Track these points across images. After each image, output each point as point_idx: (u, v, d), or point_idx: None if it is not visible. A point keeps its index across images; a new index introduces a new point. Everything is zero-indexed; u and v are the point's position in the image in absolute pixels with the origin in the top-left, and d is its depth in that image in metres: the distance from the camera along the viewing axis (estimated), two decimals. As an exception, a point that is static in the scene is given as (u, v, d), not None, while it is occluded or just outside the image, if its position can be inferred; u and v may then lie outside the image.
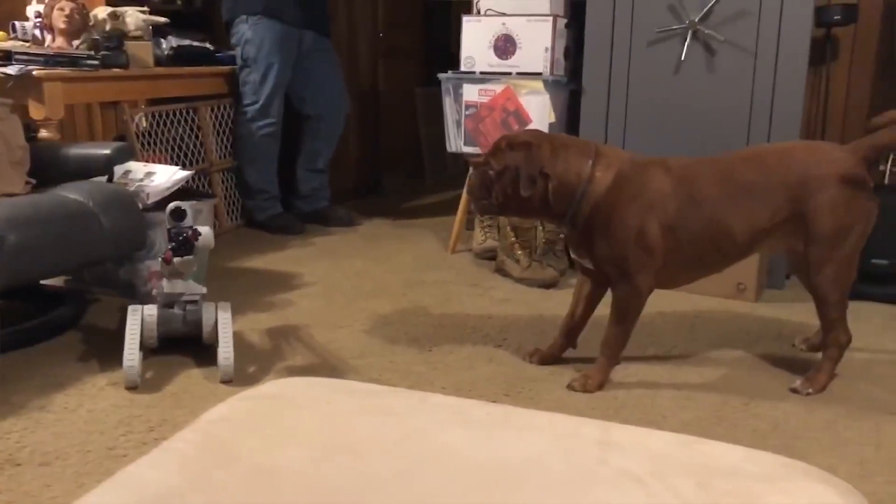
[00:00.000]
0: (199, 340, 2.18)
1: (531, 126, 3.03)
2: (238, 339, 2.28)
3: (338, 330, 2.44)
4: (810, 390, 2.00)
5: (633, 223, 1.95)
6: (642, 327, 2.39)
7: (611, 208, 1.96)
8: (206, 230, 2.14)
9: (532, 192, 1.97)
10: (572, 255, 2.15)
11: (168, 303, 2.16)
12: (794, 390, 2.01)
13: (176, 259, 2.07)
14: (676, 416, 1.88)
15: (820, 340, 2.17)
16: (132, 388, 1.99)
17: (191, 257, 2.09)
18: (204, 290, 2.18)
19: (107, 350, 2.21)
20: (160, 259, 2.11)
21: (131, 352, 2.01)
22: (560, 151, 1.99)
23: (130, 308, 2.15)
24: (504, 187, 2.00)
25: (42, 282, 2.63)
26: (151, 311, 2.15)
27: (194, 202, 2.24)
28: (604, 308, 2.10)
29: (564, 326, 2.20)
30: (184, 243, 2.06)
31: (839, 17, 3.09)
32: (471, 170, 2.18)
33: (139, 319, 2.11)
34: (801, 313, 2.62)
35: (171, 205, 2.12)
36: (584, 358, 2.21)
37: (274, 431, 0.91)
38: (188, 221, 2.12)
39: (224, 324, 2.13)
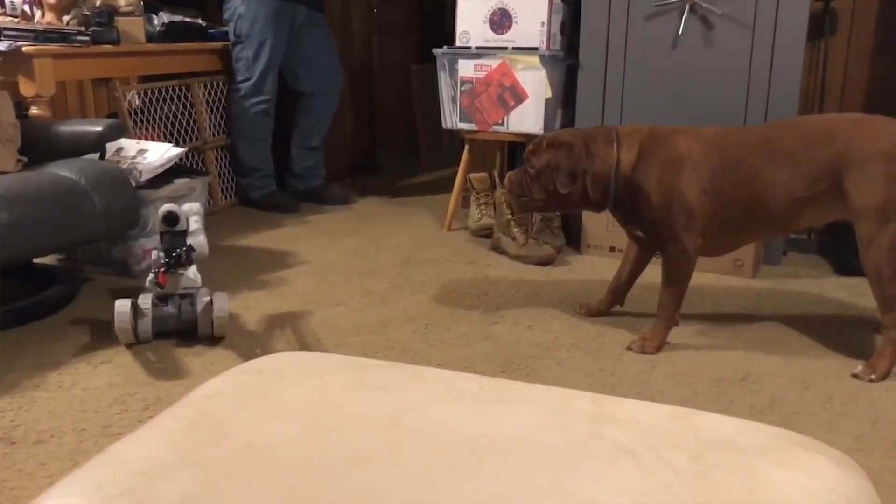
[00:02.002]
0: (195, 333, 2.13)
1: (527, 101, 3.01)
2: (232, 317, 2.27)
3: (333, 308, 2.43)
4: (873, 376, 1.92)
5: (665, 188, 2.05)
6: (638, 303, 2.40)
7: (642, 180, 2.06)
8: (200, 243, 2.08)
9: (572, 188, 2.09)
10: (623, 228, 2.25)
11: (162, 297, 2.11)
12: (856, 376, 1.94)
13: (169, 275, 2.03)
14: (673, 392, 1.88)
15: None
16: (126, 341, 1.98)
17: (184, 272, 2.07)
18: (199, 283, 2.13)
19: (101, 329, 2.20)
20: (153, 279, 2.04)
21: (122, 303, 2.00)
22: (590, 146, 2.09)
23: (118, 302, 2.07)
24: (545, 185, 2.13)
25: (35, 260, 2.61)
26: (146, 302, 2.09)
27: (188, 205, 2.18)
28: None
29: (612, 285, 2.35)
30: (177, 259, 2.01)
31: (838, -10, 3.06)
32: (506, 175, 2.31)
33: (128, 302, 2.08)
34: (798, 289, 2.62)
35: (163, 208, 2.07)
36: (570, 339, 2.21)
37: (265, 407, 0.90)
38: (181, 225, 2.07)
39: (220, 307, 2.09)
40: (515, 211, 2.24)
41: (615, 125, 2.38)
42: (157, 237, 2.13)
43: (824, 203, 2.00)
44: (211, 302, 2.10)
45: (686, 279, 2.11)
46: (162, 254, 2.05)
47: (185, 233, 2.10)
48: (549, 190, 2.13)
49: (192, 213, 2.15)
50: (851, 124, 2.00)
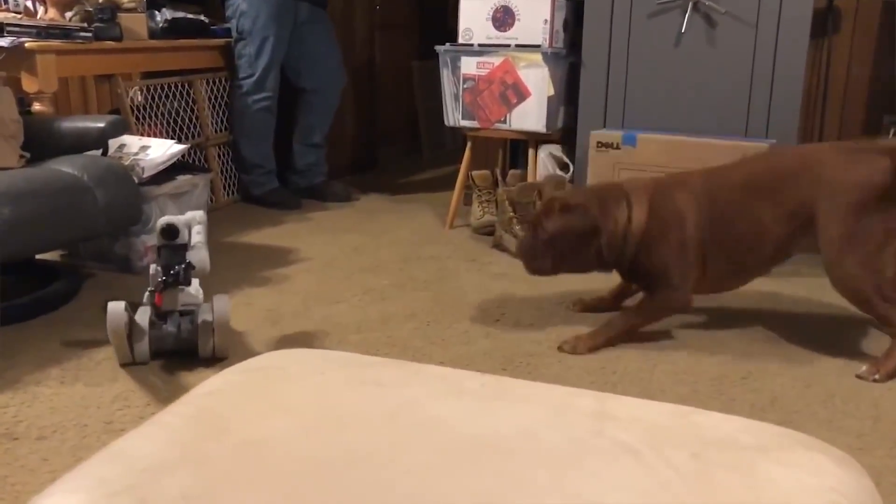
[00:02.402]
0: (195, 353, 1.98)
1: (529, 99, 3.01)
2: (234, 314, 2.26)
3: (335, 305, 2.43)
4: (876, 376, 1.93)
5: (672, 251, 2.05)
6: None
7: (651, 243, 2.06)
8: (201, 259, 1.96)
9: (589, 251, 2.08)
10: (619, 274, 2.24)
11: (161, 315, 1.97)
12: (860, 377, 1.94)
13: (168, 292, 1.91)
14: (674, 391, 1.88)
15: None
16: (123, 360, 1.93)
17: (182, 289, 1.95)
18: (200, 299, 2.00)
19: (102, 325, 2.20)
20: (150, 299, 1.93)
21: (116, 307, 1.87)
22: (603, 206, 2.07)
23: (111, 305, 1.91)
24: (559, 248, 2.10)
25: (37, 256, 2.61)
26: (143, 318, 1.95)
27: (191, 213, 2.08)
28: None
29: (615, 290, 2.37)
30: (175, 278, 1.89)
31: (842, -12, 3.06)
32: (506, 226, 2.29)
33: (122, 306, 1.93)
34: (798, 289, 2.61)
35: (162, 221, 1.92)
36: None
37: (266, 404, 0.90)
38: (182, 238, 1.93)
39: (220, 309, 1.96)
40: (529, 272, 2.21)
41: (622, 181, 2.30)
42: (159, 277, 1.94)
43: (812, 234, 2.01)
44: (212, 319, 1.95)
45: (653, 320, 2.15)
46: (160, 269, 1.92)
47: (185, 247, 1.95)
48: (563, 253, 2.10)
49: (194, 222, 2.04)
50: (824, 154, 2.04)
